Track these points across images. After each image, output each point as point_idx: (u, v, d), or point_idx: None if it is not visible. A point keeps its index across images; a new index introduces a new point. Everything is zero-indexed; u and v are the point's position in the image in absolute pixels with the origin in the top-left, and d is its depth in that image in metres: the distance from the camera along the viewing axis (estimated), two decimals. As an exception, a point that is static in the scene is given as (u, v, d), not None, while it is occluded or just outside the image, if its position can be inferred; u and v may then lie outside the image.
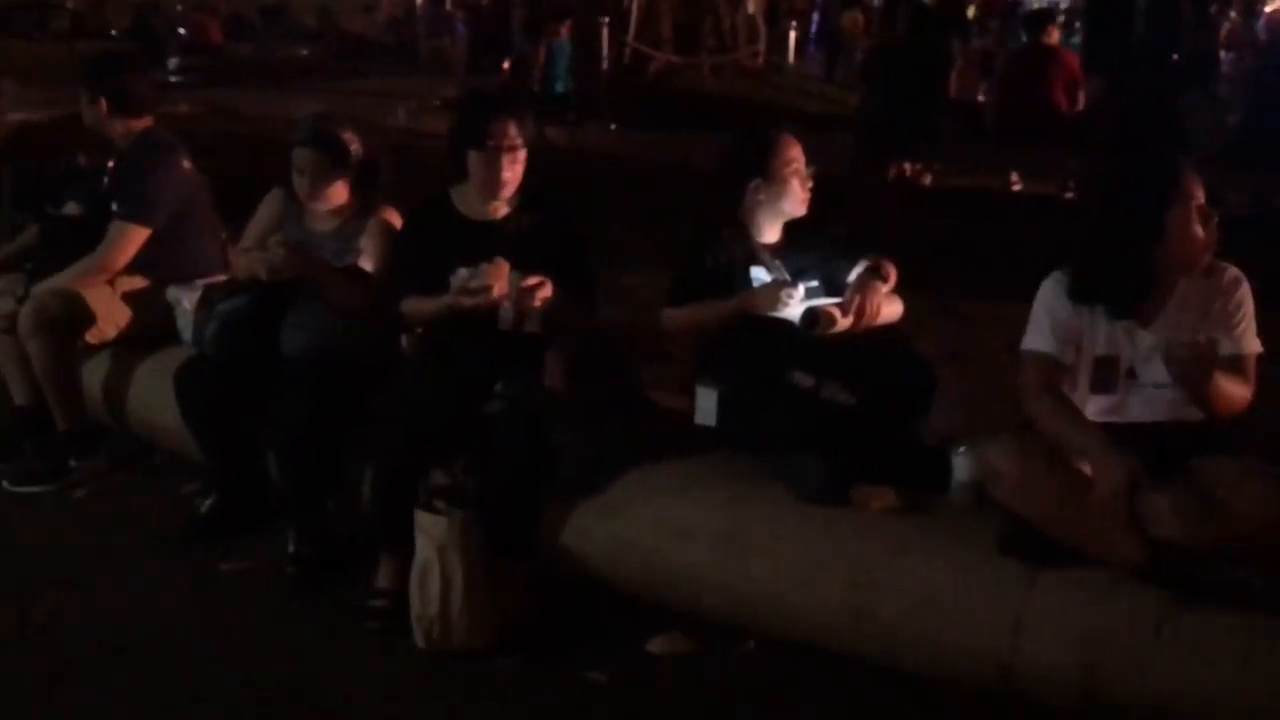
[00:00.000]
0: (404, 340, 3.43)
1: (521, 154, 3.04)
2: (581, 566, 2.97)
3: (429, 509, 2.75)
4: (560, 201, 3.26)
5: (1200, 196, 2.54)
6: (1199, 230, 2.55)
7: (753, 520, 2.85)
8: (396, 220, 3.34)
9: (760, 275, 3.19)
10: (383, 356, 3.32)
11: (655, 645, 2.79)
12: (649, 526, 2.92)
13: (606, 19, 12.28)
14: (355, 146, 3.33)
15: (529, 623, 2.81)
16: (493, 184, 3.01)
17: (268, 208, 3.49)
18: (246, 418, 3.25)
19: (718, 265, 3.19)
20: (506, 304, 2.94)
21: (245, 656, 2.77)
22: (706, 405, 3.15)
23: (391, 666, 2.73)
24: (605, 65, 12.38)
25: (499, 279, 2.91)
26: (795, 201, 3.22)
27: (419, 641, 2.77)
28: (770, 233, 3.26)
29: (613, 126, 11.56)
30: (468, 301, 2.92)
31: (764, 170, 3.19)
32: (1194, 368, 2.51)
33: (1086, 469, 2.56)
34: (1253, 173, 7.03)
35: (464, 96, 4.19)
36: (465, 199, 3.12)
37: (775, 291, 3.09)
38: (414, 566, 2.77)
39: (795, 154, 3.22)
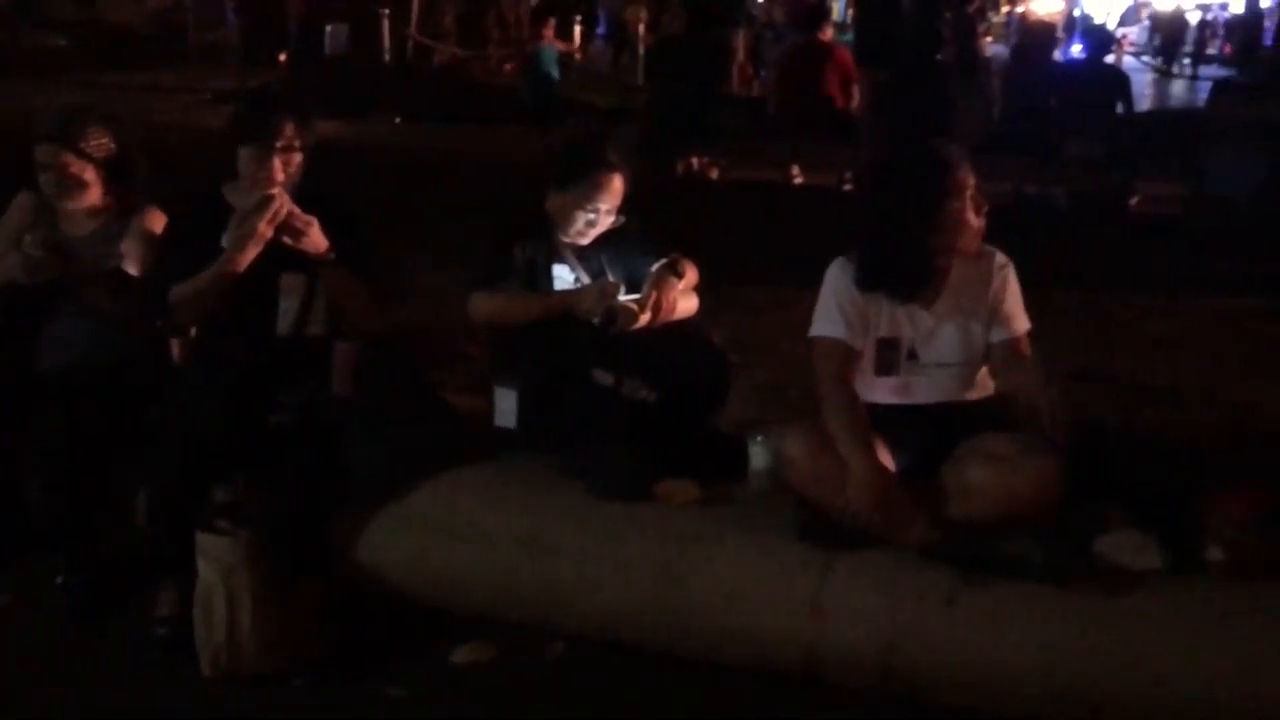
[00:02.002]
0: (175, 349, 3.22)
1: (297, 155, 2.89)
2: (379, 579, 2.87)
3: (210, 529, 2.60)
4: (345, 199, 3.13)
5: (973, 185, 2.66)
6: (973, 218, 2.67)
7: (556, 521, 2.82)
8: (160, 222, 3.13)
9: (562, 273, 3.15)
10: (154, 368, 3.11)
11: (459, 655, 2.71)
12: (449, 534, 2.85)
13: (386, 10, 12.01)
14: (104, 140, 3.10)
15: (324, 642, 2.69)
16: (264, 183, 2.86)
17: (16, 212, 3.21)
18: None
19: (523, 260, 3.13)
20: (286, 305, 2.80)
21: (12, 699, 2.54)
22: (505, 406, 3.10)
23: (177, 698, 2.56)
24: (387, 57, 12.11)
25: (273, 183, 2.76)
26: (572, 233, 3.16)
27: (206, 669, 2.61)
28: (576, 232, 3.21)
29: (396, 120, 11.31)
30: (253, 223, 2.74)
31: (565, 186, 3.13)
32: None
33: (877, 455, 2.64)
34: (1011, 161, 7.47)
35: (243, 91, 4.00)
36: (239, 197, 2.95)
37: (599, 292, 3.05)
38: (197, 591, 2.61)
39: (600, 196, 3.10)
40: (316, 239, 2.84)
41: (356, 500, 2.86)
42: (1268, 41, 18.16)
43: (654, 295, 3.06)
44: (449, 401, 3.31)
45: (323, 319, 2.96)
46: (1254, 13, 20.38)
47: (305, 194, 2.95)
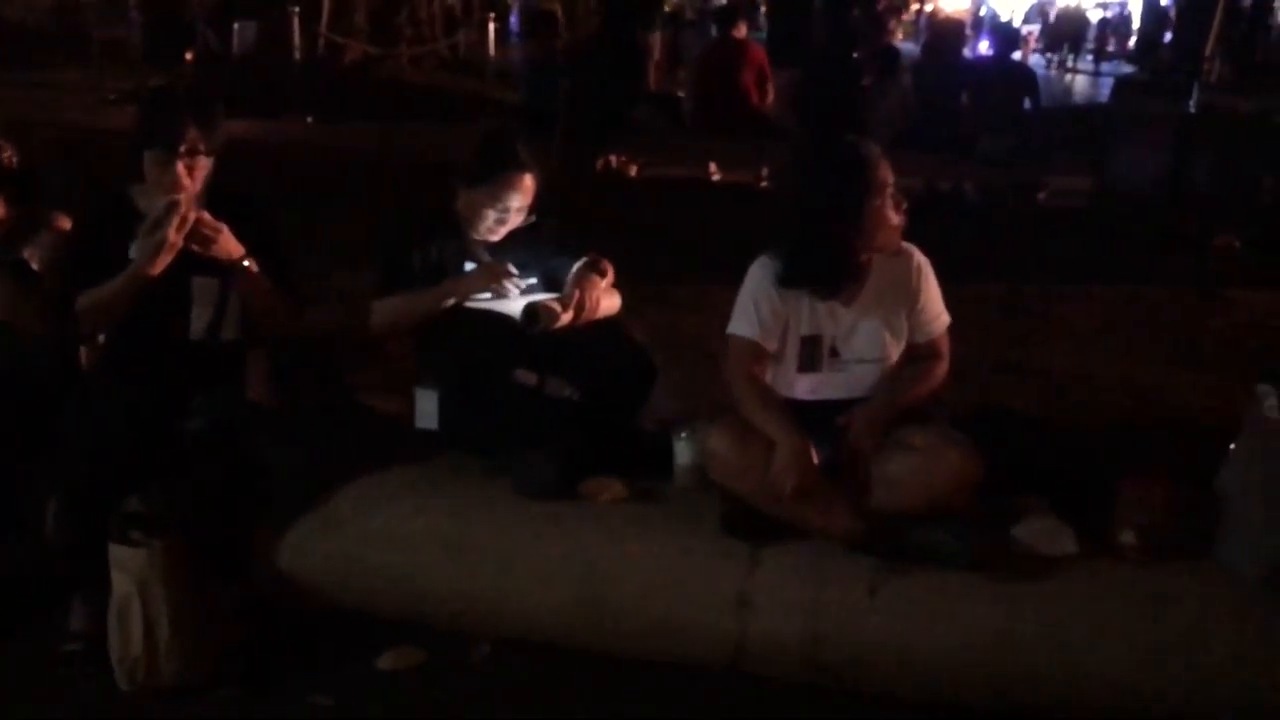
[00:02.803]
0: (83, 355, 3.12)
1: (203, 161, 2.82)
2: (302, 587, 2.82)
3: (124, 541, 2.53)
4: (256, 201, 3.07)
5: (892, 183, 2.69)
6: (893, 215, 2.71)
7: (480, 523, 2.80)
8: (67, 226, 3.04)
9: (476, 270, 3.12)
10: (61, 374, 3.01)
11: (384, 661, 2.68)
12: (371, 539, 2.81)
13: (296, 8, 11.80)
14: (7, 154, 2.99)
15: (246, 651, 2.64)
16: (170, 189, 2.79)
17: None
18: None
19: (427, 261, 3.09)
20: (198, 309, 2.73)
21: (-88, 725, 2.46)
22: (427, 408, 3.06)
23: (92, 715, 2.49)
24: (297, 56, 11.90)
25: (182, 190, 2.71)
26: (481, 230, 3.13)
27: (123, 685, 2.54)
28: (485, 229, 3.18)
29: (308, 119, 11.12)
30: (162, 234, 2.67)
31: (475, 184, 3.10)
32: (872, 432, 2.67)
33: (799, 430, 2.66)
34: (923, 157, 7.59)
35: (147, 93, 3.89)
36: (146, 199, 2.87)
37: (488, 274, 3.03)
38: (111, 604, 2.54)
39: (510, 194, 3.07)
40: (227, 245, 2.78)
41: (276, 507, 2.81)
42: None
43: (577, 294, 3.04)
44: (368, 404, 3.27)
45: (237, 323, 2.90)
46: (1154, 11, 21.03)
47: (217, 196, 2.89)
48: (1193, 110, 7.18)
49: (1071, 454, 2.92)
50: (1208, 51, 9.04)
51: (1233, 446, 2.66)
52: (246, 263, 2.82)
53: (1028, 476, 2.82)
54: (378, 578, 2.80)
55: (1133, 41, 24.00)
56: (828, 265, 2.72)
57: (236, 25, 12.61)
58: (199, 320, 2.86)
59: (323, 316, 3.71)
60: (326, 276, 4.40)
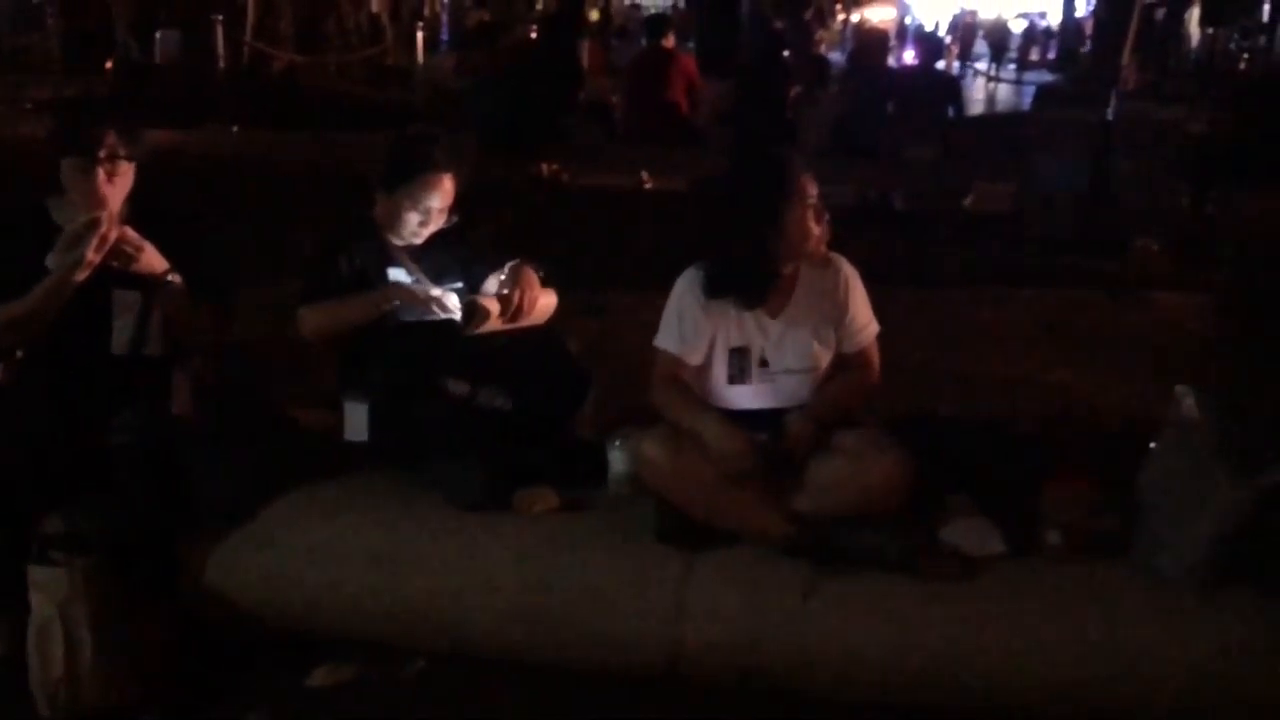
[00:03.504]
0: (0, 370, 3.04)
1: (124, 167, 2.76)
2: (231, 604, 2.77)
3: (43, 561, 2.46)
4: (180, 212, 3.01)
5: (814, 194, 2.72)
6: (814, 226, 2.73)
7: (413, 536, 2.77)
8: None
9: (399, 276, 3.09)
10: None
11: (317, 678, 2.64)
12: (301, 554, 2.77)
13: (220, 16, 11.63)
14: None
15: (175, 672, 2.59)
16: (90, 199, 2.73)
17: None
18: None
19: (352, 268, 3.06)
20: (120, 323, 2.67)
21: None
22: (356, 419, 3.03)
23: (10, 743, 2.43)
24: (222, 64, 11.74)
25: (100, 202, 2.66)
26: (405, 233, 3.11)
27: (43, 710, 2.48)
28: (409, 233, 3.16)
29: (234, 128, 10.95)
30: (80, 251, 2.61)
31: (393, 189, 3.08)
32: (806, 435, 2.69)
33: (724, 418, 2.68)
34: (851, 164, 7.69)
35: (64, 101, 3.80)
36: (64, 212, 2.80)
37: (425, 296, 3.01)
38: (30, 627, 2.48)
39: (429, 196, 3.06)
40: (150, 261, 2.73)
41: (203, 523, 2.76)
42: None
43: (518, 294, 3.03)
44: (297, 417, 3.22)
45: (160, 336, 2.85)
46: (1073, 20, 21.59)
47: (141, 207, 2.83)
48: (1111, 118, 7.35)
49: (998, 456, 2.97)
50: (1124, 60, 9.28)
51: (1153, 446, 2.72)
52: (171, 277, 2.77)
53: (956, 478, 2.86)
54: (308, 593, 2.76)
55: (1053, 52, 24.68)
56: (749, 276, 2.73)
57: (159, 34, 12.38)
58: (121, 334, 2.80)
59: (249, 328, 3.65)
60: (252, 287, 4.33)
